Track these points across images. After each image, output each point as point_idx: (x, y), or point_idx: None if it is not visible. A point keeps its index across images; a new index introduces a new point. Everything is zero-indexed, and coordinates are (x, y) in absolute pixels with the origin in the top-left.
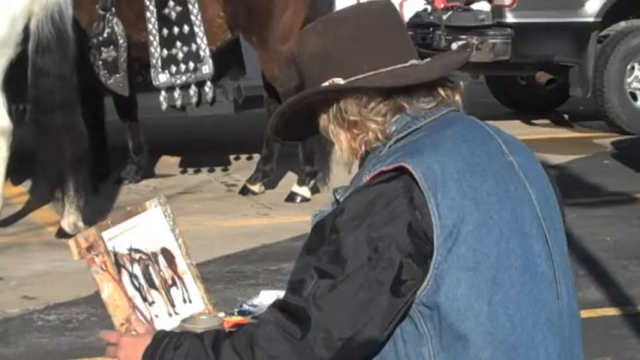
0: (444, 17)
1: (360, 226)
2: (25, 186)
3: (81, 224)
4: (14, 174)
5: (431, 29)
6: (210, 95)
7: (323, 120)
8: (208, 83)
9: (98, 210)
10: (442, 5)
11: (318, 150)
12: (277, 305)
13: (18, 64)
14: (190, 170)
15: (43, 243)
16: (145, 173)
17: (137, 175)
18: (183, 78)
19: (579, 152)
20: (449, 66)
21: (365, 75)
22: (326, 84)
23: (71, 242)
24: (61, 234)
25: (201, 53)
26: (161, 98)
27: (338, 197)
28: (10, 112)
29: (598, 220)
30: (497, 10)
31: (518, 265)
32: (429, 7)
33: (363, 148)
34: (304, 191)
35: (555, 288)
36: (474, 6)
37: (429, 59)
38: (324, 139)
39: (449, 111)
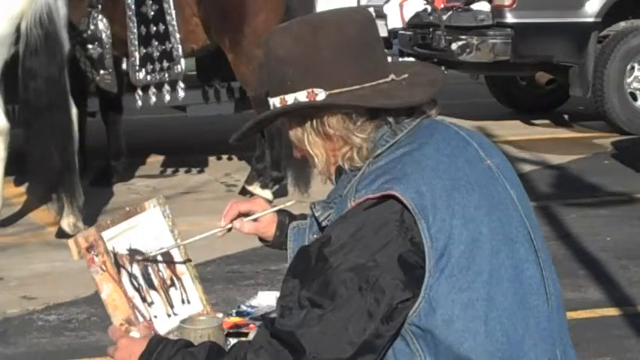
0: (444, 17)
1: (348, 256)
2: (25, 186)
3: (81, 224)
4: (14, 174)
5: (431, 29)
6: (181, 95)
7: (295, 130)
8: (180, 83)
9: (98, 210)
10: (442, 5)
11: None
12: (269, 329)
13: (13, 65)
14: (190, 170)
15: (43, 243)
16: (121, 179)
17: (111, 180)
18: (158, 77)
19: (579, 152)
20: (434, 86)
21: (350, 89)
22: (304, 93)
23: (71, 242)
24: (61, 234)
25: (175, 53)
26: (137, 97)
27: (317, 214)
28: (7, 113)
29: (598, 220)
30: (497, 10)
31: (509, 276)
32: (429, 7)
33: (345, 164)
34: (266, 194)
35: (544, 290)
36: (474, 6)
37: (405, 75)
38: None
39: (422, 118)
